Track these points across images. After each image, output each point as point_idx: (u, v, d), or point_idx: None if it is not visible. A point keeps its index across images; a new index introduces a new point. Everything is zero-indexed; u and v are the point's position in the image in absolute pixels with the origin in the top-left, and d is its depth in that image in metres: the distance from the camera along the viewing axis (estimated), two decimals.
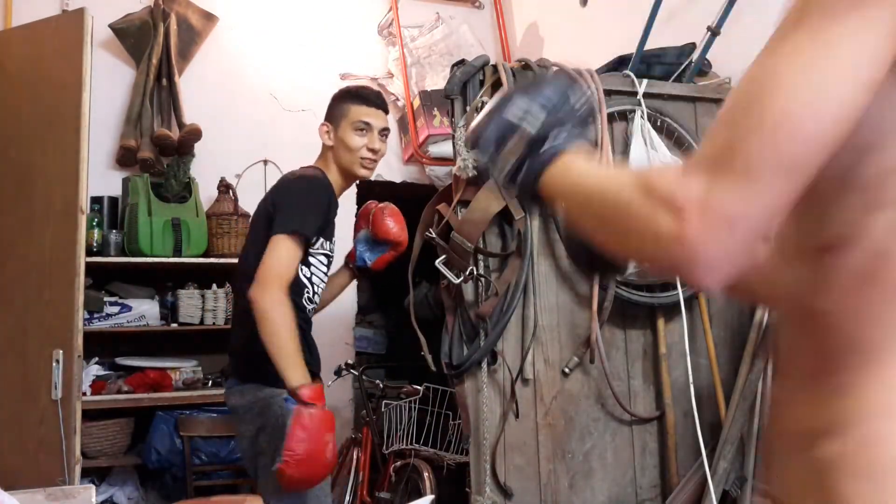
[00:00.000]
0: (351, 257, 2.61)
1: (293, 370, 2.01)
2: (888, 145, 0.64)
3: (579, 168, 0.79)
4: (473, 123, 0.91)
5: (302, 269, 2.22)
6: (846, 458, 0.63)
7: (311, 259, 2.24)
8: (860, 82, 0.60)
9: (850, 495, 0.62)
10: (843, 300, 0.67)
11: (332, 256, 2.34)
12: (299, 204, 2.19)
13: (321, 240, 2.25)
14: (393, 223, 2.53)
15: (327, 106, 2.40)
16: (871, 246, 0.65)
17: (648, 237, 0.65)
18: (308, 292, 2.27)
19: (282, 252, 2.10)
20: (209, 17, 4.02)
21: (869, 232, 0.65)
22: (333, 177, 2.31)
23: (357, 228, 2.63)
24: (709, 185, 0.61)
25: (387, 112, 2.40)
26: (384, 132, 2.35)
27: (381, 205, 2.59)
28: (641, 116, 2.58)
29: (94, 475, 3.50)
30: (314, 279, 2.28)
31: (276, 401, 2.15)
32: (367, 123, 2.30)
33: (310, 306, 2.30)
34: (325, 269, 2.31)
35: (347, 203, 4.24)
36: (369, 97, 2.35)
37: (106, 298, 3.50)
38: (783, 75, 0.60)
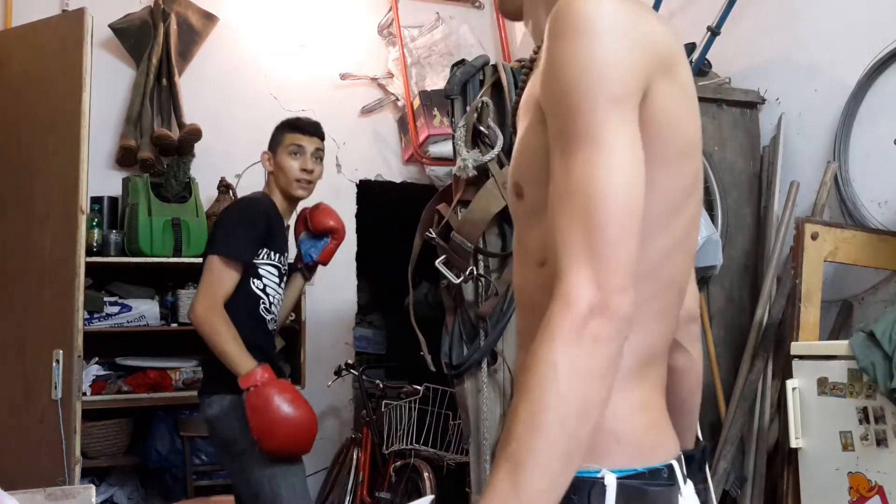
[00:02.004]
0: (298, 259, 2.78)
1: (237, 362, 2.27)
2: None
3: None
4: None
5: (254, 282, 2.43)
6: None
7: (260, 271, 2.44)
8: (640, 163, 0.82)
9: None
10: (544, 296, 0.86)
11: (283, 269, 2.53)
12: (230, 226, 2.43)
13: (266, 251, 2.44)
14: (328, 215, 2.76)
15: (270, 137, 2.63)
16: None
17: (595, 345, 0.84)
18: (264, 303, 2.45)
19: (211, 273, 2.35)
20: (209, 17, 4.02)
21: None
22: (278, 199, 2.56)
23: (297, 233, 2.82)
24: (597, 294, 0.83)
25: (321, 138, 2.63)
26: (317, 153, 2.59)
27: (313, 205, 2.83)
28: None
29: (94, 475, 3.50)
30: (268, 290, 2.47)
31: (237, 406, 2.30)
32: (299, 146, 2.55)
33: (268, 316, 2.48)
34: (276, 279, 2.50)
35: (347, 203, 4.26)
36: (302, 125, 2.60)
37: (106, 298, 3.50)
38: (600, 185, 0.81)
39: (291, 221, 2.75)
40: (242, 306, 2.39)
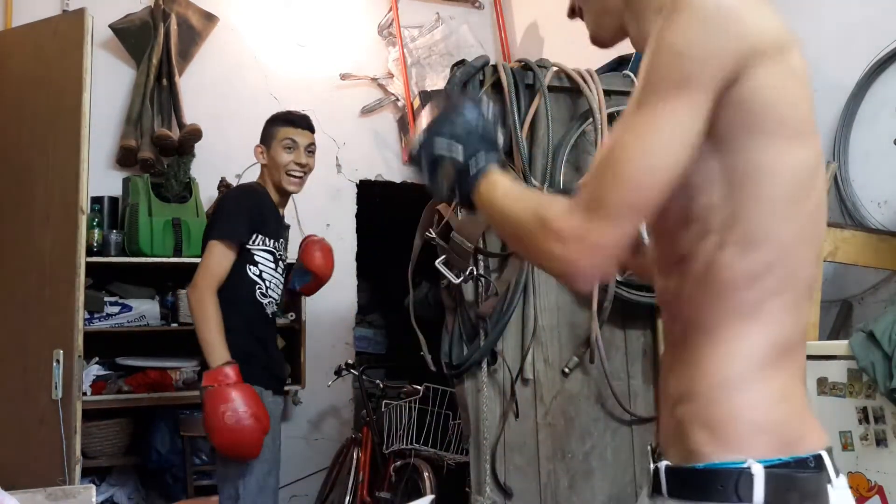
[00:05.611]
0: (288, 279, 2.88)
1: (212, 352, 2.35)
2: (707, 190, 0.91)
3: (496, 191, 1.03)
4: (413, 149, 1.16)
5: (249, 269, 2.51)
6: (695, 416, 0.91)
7: (256, 258, 2.53)
8: (682, 148, 0.86)
9: (697, 441, 0.89)
10: (690, 296, 0.94)
11: (277, 254, 2.60)
12: (227, 211, 2.54)
13: (261, 237, 2.53)
14: (319, 256, 2.89)
15: (262, 130, 2.71)
16: (704, 258, 0.92)
17: (543, 255, 0.92)
18: (260, 288, 2.54)
19: (212, 256, 2.45)
20: (209, 18, 4.02)
21: (702, 249, 0.92)
22: (271, 191, 2.64)
23: (298, 257, 2.96)
24: (583, 223, 0.88)
25: (312, 131, 2.71)
26: (310, 147, 2.67)
27: (316, 238, 2.97)
28: None
29: (95, 475, 3.50)
30: (264, 275, 2.55)
31: None
32: (293, 141, 2.62)
33: (265, 300, 2.56)
34: (272, 264, 2.58)
35: (347, 203, 4.26)
36: (295, 119, 2.68)
37: (106, 298, 3.50)
38: (630, 146, 0.87)
39: (288, 215, 2.79)
40: (241, 293, 2.48)
